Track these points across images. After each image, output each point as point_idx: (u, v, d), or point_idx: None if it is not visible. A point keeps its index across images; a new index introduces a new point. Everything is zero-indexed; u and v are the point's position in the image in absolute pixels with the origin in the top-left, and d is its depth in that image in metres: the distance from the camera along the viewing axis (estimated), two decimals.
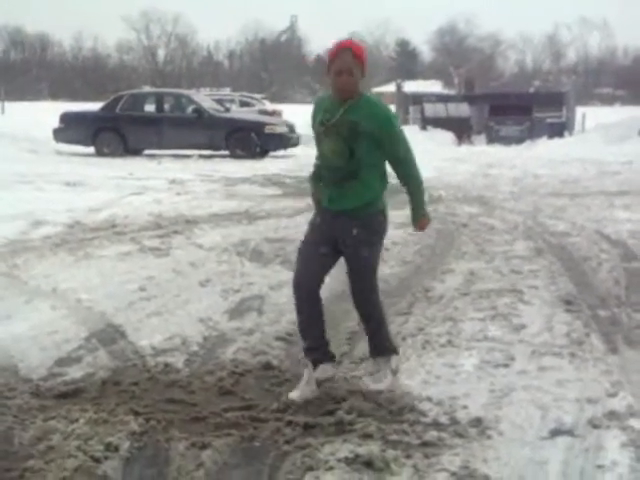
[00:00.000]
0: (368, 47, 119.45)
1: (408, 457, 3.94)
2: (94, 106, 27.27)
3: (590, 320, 6.42)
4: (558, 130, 30.68)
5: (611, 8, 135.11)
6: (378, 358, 4.99)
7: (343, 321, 6.29)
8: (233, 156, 22.74)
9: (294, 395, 4.73)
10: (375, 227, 4.80)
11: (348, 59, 4.56)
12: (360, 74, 4.61)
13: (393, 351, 5.02)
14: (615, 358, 5.51)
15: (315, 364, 4.85)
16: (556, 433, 4.25)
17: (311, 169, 4.97)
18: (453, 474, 3.80)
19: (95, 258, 8.47)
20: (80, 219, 10.78)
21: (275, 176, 18.04)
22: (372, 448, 4.01)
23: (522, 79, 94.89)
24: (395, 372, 4.99)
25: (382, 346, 4.98)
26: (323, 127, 4.69)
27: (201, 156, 22.90)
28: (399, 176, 4.79)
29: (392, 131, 4.68)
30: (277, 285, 7.40)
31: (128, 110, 23.62)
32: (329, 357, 4.93)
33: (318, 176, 4.89)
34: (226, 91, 53.80)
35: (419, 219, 4.88)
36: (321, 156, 4.79)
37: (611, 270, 8.22)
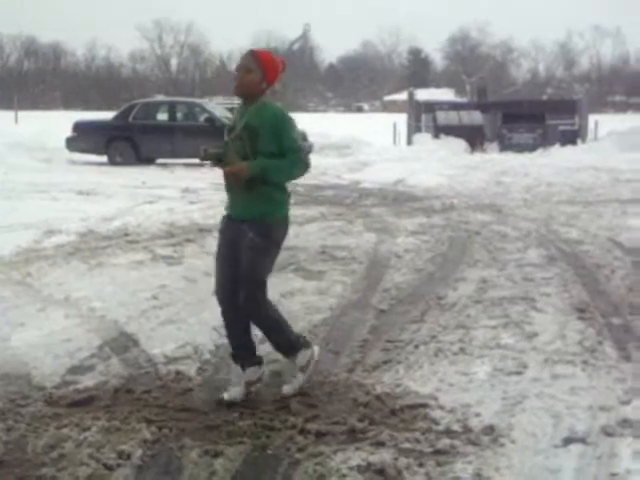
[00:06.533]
0: (380, 56, 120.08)
1: (420, 465, 3.93)
2: (107, 115, 27.37)
3: (603, 328, 6.40)
4: (571, 138, 30.55)
5: (624, 16, 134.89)
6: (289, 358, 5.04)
7: (356, 330, 6.29)
8: None
9: (225, 396, 4.82)
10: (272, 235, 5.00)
11: (247, 59, 4.79)
12: (261, 77, 4.78)
13: (297, 349, 5.01)
14: (628, 366, 5.47)
15: (243, 367, 4.93)
16: (569, 441, 4.23)
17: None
18: None
19: (108, 266, 8.49)
20: (93, 228, 10.80)
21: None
22: (384, 456, 4.00)
23: (535, 87, 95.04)
24: (305, 368, 5.01)
25: (285, 346, 5.01)
26: (231, 134, 4.85)
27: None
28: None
29: (283, 125, 4.84)
30: (289, 293, 7.40)
31: (141, 119, 23.69)
32: (256, 361, 4.99)
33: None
34: (239, 100, 53.86)
35: (243, 165, 5.03)
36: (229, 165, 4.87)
37: (624, 278, 8.19)
